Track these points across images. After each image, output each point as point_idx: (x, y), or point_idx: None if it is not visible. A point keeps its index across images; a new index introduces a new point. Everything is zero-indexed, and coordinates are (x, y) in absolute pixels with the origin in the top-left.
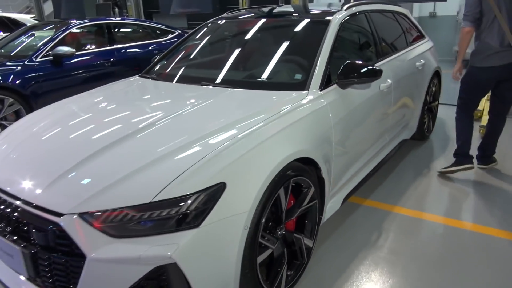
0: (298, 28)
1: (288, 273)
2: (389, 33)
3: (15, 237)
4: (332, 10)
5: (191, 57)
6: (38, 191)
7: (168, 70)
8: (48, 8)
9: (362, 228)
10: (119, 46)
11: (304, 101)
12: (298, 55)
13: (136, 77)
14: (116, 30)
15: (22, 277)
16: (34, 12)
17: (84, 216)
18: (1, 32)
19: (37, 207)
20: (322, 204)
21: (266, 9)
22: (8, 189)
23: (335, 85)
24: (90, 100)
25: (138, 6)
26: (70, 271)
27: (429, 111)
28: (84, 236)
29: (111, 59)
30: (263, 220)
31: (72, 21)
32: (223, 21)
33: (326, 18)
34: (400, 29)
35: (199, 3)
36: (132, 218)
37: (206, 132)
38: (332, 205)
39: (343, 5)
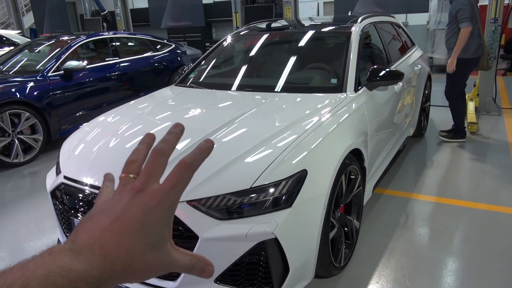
0: (326, 38)
1: (344, 251)
2: (392, 42)
3: None
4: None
5: (231, 66)
6: None
7: (209, 79)
8: (25, 22)
9: (390, 213)
10: (123, 59)
11: (346, 101)
12: (331, 62)
13: (173, 86)
14: (117, 44)
15: None
16: (13, 27)
17: (192, 203)
18: None
19: None
20: (363, 191)
21: (285, 22)
22: None
23: (364, 87)
24: (155, 105)
25: (127, 20)
26: None
27: (423, 111)
28: (194, 220)
29: (116, 72)
30: (333, 202)
31: (80, 36)
32: (250, 32)
33: (348, 29)
34: (399, 37)
35: (191, 16)
36: (234, 203)
37: (279, 128)
38: (366, 193)
39: (352, 17)
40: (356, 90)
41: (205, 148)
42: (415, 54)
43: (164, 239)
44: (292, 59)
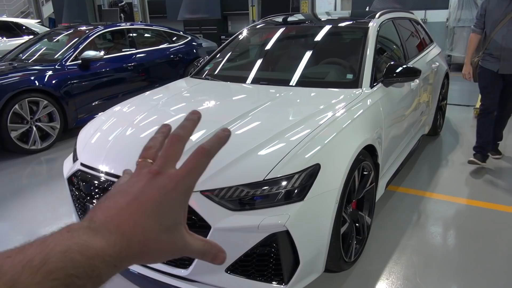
0: (343, 33)
1: (355, 246)
2: (410, 38)
3: None
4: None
5: (247, 59)
6: None
7: (224, 72)
8: (44, 12)
9: (402, 210)
10: (139, 50)
11: (361, 97)
12: (347, 57)
13: (189, 77)
14: (134, 35)
15: None
16: (33, 17)
17: (206, 193)
18: (3, 38)
19: None
20: (376, 187)
21: (301, 16)
22: None
23: (380, 84)
24: (170, 96)
25: (144, 12)
26: None
27: (439, 109)
28: (207, 210)
29: (133, 63)
30: (345, 197)
31: (98, 27)
32: (266, 26)
33: (366, 24)
34: (417, 34)
35: (207, 9)
36: (247, 194)
37: (293, 122)
38: (379, 189)
39: (370, 13)
40: (371, 86)
41: (222, 136)
42: (433, 51)
43: (179, 223)
44: (308, 54)
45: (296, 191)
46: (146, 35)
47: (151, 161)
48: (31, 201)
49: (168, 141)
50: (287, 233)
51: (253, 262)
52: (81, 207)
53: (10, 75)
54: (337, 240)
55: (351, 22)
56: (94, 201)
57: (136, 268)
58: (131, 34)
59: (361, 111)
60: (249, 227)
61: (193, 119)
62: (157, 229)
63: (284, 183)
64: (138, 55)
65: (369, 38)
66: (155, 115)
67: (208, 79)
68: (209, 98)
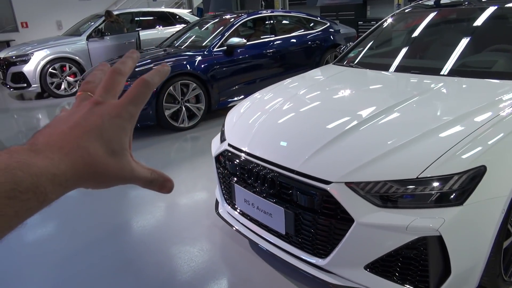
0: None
1: None
2: None
3: (275, 199)
4: None
5: (395, 45)
6: (303, 160)
7: (369, 58)
8: (194, 2)
9: None
10: (278, 37)
11: None
12: None
13: (331, 65)
14: (274, 22)
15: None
16: (184, 7)
17: (351, 185)
18: (160, 26)
19: (303, 174)
20: None
21: None
22: (271, 158)
23: None
24: (311, 84)
25: None
26: (332, 232)
27: None
28: (351, 203)
29: (272, 50)
30: None
31: (241, 15)
32: (416, 10)
33: None
34: None
35: None
36: (396, 191)
37: (450, 118)
38: None
39: None
40: None
41: (162, 71)
42: None
43: (125, 149)
44: (469, 40)
45: (454, 194)
46: (285, 21)
47: (91, 94)
48: (176, 174)
49: (107, 74)
50: (439, 238)
51: (395, 264)
52: (226, 185)
53: (166, 61)
54: (497, 254)
55: None
56: (235, 179)
57: (265, 245)
58: (271, 21)
59: None
60: (397, 227)
61: (132, 57)
62: (103, 152)
63: (440, 183)
64: (277, 42)
65: None
66: (298, 103)
67: (351, 66)
68: (354, 87)
